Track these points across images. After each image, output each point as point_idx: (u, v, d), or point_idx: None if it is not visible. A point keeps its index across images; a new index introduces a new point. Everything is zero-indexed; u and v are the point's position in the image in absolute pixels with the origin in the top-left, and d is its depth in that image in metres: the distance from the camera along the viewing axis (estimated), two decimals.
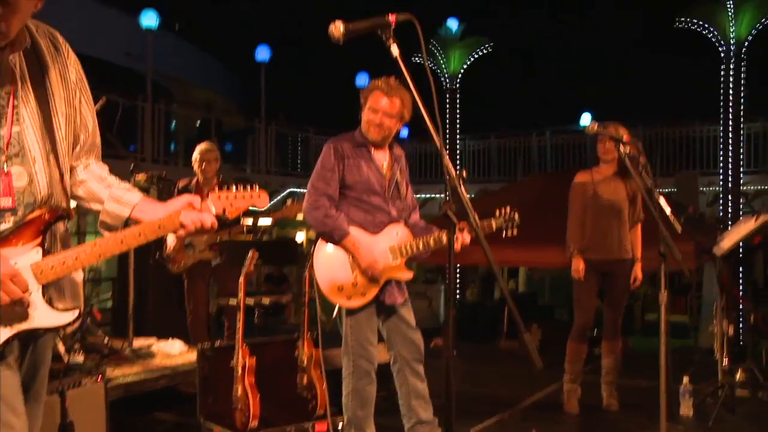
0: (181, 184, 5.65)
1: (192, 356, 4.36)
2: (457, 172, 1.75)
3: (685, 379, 4.50)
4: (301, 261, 5.24)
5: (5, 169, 1.75)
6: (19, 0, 1.60)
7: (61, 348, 4.15)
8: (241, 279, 3.93)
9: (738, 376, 4.95)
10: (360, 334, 3.42)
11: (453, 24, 16.33)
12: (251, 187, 2.02)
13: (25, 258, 1.73)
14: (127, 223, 1.92)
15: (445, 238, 3.40)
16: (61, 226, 1.87)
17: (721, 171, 11.83)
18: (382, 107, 3.38)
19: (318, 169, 3.45)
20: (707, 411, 4.50)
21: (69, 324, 1.84)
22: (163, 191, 5.90)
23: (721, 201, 11.62)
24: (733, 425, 4.54)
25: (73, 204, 1.95)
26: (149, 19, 12.41)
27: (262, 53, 15.12)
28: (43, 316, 1.75)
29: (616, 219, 4.59)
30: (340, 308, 3.46)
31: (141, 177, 5.44)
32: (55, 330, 1.88)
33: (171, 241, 5.43)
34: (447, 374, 1.68)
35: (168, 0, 15.20)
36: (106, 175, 1.99)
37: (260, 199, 2.04)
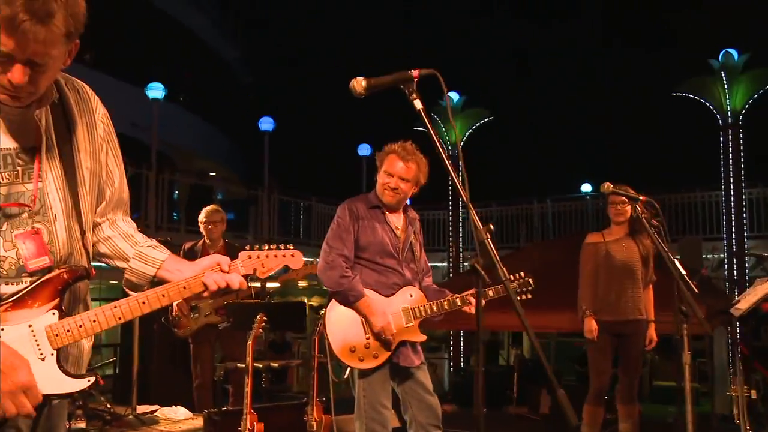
0: (187, 246, 5.64)
1: (197, 422, 4.25)
2: (484, 225, 1.72)
3: None
4: (308, 324, 5.17)
5: (35, 228, 1.67)
6: (48, 61, 1.58)
7: None
8: (250, 342, 3.85)
9: None
10: (373, 397, 3.31)
11: (454, 96, 16.76)
12: (285, 247, 1.92)
13: (41, 320, 1.64)
14: (153, 282, 1.83)
15: (459, 302, 3.38)
16: (82, 287, 1.78)
17: (724, 236, 11.92)
18: (398, 171, 3.38)
19: (333, 228, 3.42)
20: None
21: (84, 390, 1.75)
22: None
23: (726, 266, 11.63)
24: None
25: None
26: (155, 91, 12.67)
27: (266, 123, 15.36)
28: (57, 382, 1.64)
29: (629, 279, 4.55)
30: (352, 370, 3.37)
31: None
32: (69, 396, 1.79)
33: (176, 304, 5.37)
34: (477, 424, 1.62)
35: (173, 72, 15.58)
36: (133, 233, 1.91)
37: (294, 259, 1.92)
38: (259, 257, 1.88)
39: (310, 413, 3.86)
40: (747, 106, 12.16)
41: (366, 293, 3.31)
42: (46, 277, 1.67)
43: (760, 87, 12.12)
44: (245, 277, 1.86)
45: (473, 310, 3.34)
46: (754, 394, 4.45)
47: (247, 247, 1.89)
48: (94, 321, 1.69)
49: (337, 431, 3.75)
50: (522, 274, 3.53)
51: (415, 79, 1.83)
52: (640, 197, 3.27)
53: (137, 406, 4.78)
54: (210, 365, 5.47)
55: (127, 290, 1.86)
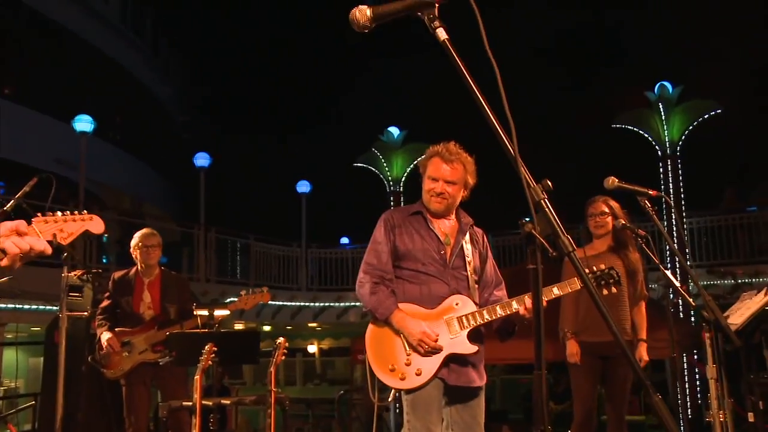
0: (118, 275, 5.09)
1: None
2: (539, 182, 1.33)
3: None
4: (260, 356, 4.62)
5: None
6: None
7: None
8: (198, 376, 3.34)
9: None
10: (417, 421, 2.94)
11: (395, 131, 16.57)
12: (81, 212, 1.84)
13: None
14: None
15: (515, 305, 2.95)
16: None
17: (668, 265, 11.95)
18: (443, 174, 3.11)
19: (369, 244, 3.19)
20: None
21: None
22: (99, 289, 5.33)
23: (672, 295, 11.64)
24: None
25: None
26: (83, 124, 11.92)
27: (202, 159, 14.75)
28: None
29: (612, 297, 4.22)
30: (399, 394, 3.04)
31: (77, 273, 4.89)
32: None
33: (105, 340, 4.76)
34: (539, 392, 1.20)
35: (102, 109, 14.84)
36: None
37: (93, 223, 1.84)
38: (56, 222, 1.79)
39: None
40: (683, 137, 12.45)
41: (403, 306, 3.01)
42: None
43: (695, 118, 12.44)
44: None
45: (526, 312, 2.91)
46: (751, 417, 4.14)
47: (39, 214, 1.79)
48: None
49: None
50: (603, 266, 3.16)
51: (437, 5, 1.44)
52: (650, 191, 2.96)
53: None
54: (146, 411, 4.83)
55: None
